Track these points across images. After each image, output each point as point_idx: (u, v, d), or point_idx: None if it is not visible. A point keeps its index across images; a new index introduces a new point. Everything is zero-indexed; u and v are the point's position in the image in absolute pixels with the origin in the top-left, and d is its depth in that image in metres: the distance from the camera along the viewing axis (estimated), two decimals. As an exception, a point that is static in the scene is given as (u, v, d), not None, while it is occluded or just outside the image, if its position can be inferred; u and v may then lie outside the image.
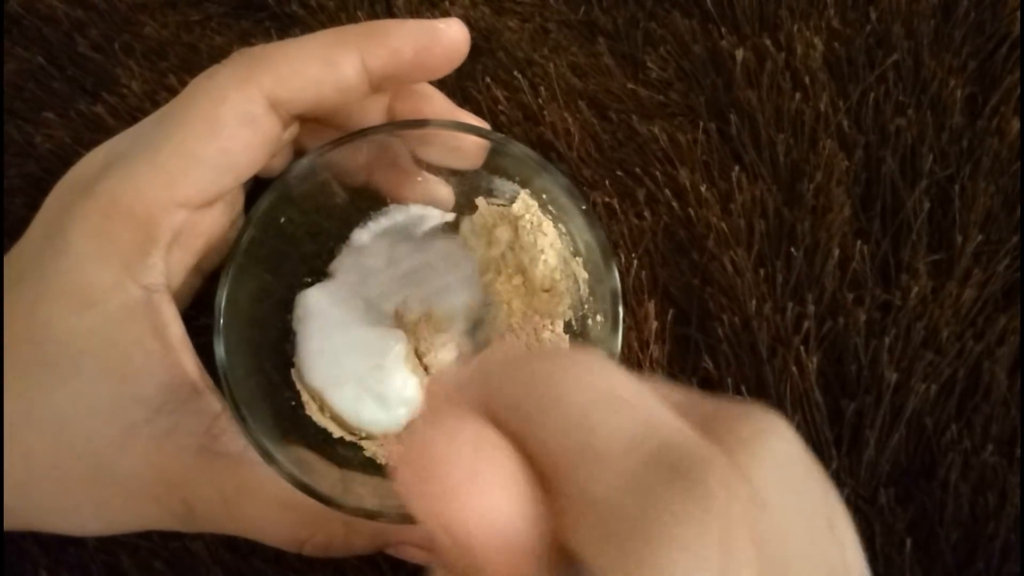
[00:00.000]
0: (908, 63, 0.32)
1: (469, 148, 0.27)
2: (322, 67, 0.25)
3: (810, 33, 0.33)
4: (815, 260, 0.30)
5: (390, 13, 0.35)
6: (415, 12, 0.35)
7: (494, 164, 0.27)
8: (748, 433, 0.13)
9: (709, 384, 0.29)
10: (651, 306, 0.30)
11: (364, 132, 0.26)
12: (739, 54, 0.33)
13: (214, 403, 0.25)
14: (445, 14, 0.35)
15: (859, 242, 0.30)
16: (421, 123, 0.26)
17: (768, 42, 0.33)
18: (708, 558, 0.11)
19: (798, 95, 0.32)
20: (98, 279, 0.24)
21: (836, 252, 0.29)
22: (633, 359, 0.29)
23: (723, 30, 0.33)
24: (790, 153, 0.31)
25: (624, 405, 0.13)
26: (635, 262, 0.31)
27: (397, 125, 0.26)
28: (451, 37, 0.26)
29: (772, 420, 0.14)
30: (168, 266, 0.25)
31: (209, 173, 0.24)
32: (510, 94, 0.33)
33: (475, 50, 0.35)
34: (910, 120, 0.31)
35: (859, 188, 0.31)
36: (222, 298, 0.25)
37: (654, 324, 0.30)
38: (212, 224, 0.26)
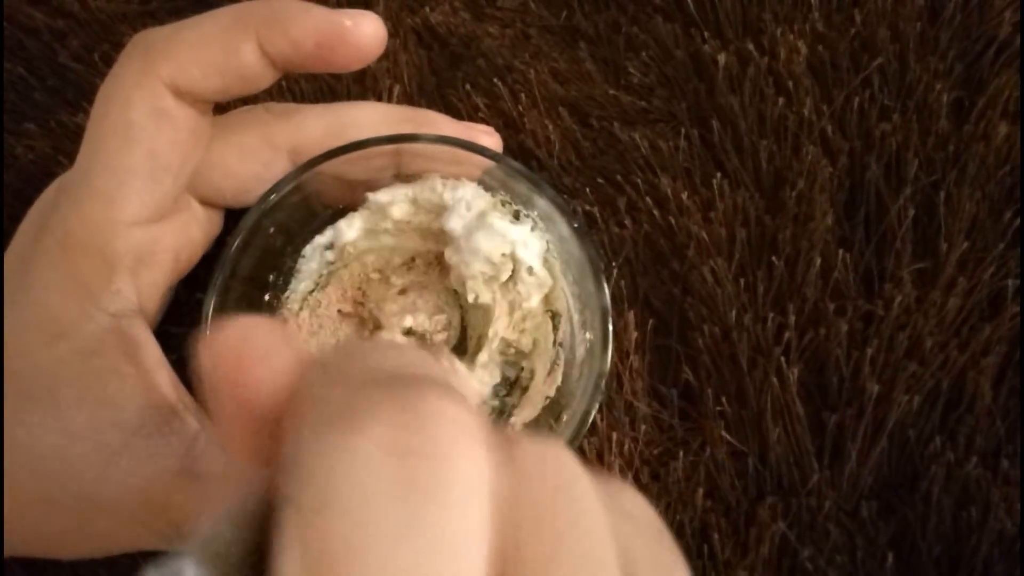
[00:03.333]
0: (893, 67, 0.32)
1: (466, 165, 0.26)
2: (220, 53, 0.23)
3: (794, 37, 0.32)
4: (796, 269, 0.29)
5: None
6: (395, 16, 0.35)
7: (485, 180, 0.27)
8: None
9: (689, 395, 0.29)
10: (631, 316, 0.30)
11: (355, 146, 0.26)
12: (721, 59, 0.32)
13: (193, 424, 0.25)
14: (424, 20, 0.34)
15: (841, 251, 0.29)
16: (411, 137, 0.26)
17: (751, 46, 0.32)
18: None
19: (781, 100, 0.31)
20: (64, 312, 0.24)
21: (818, 261, 0.29)
22: (613, 370, 0.29)
23: (706, 34, 0.33)
24: (773, 160, 0.31)
25: (393, 359, 0.14)
26: (615, 271, 0.30)
27: (386, 139, 0.26)
28: (360, 36, 0.24)
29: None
30: (138, 288, 0.25)
31: (144, 182, 0.24)
32: (490, 101, 0.33)
33: (455, 57, 0.34)
34: (895, 125, 0.31)
35: (843, 195, 0.30)
36: (209, 309, 0.24)
37: (634, 334, 0.29)
38: (178, 238, 0.26)
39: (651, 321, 0.30)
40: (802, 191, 0.30)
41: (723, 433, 0.28)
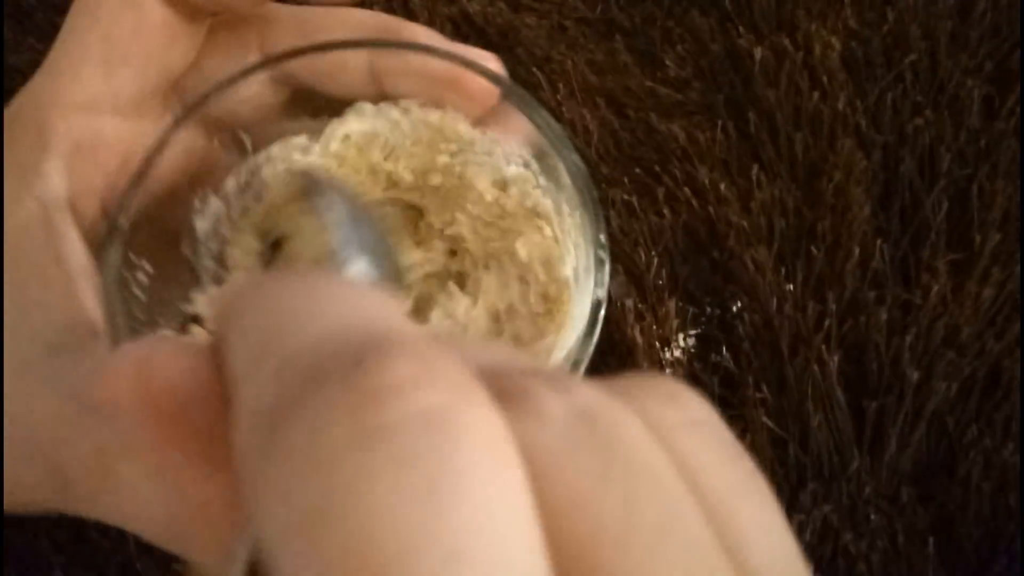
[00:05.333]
0: (925, 63, 0.32)
1: (471, 88, 0.23)
2: None
3: (827, 33, 0.33)
4: (835, 259, 0.30)
5: (407, 12, 0.35)
6: (431, 6, 0.35)
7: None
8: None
9: (730, 382, 0.29)
10: (671, 304, 0.30)
11: (334, 45, 0.22)
12: (757, 53, 0.33)
13: (103, 350, 0.21)
14: (461, 9, 0.35)
15: (879, 241, 0.30)
16: (393, 44, 0.22)
17: (786, 41, 0.33)
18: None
19: (816, 94, 0.32)
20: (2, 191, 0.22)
21: (856, 251, 0.29)
22: (654, 357, 0.29)
23: (740, 29, 0.33)
24: (808, 152, 0.31)
25: (336, 309, 0.10)
26: (655, 260, 0.30)
27: (360, 43, 0.22)
28: None
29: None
30: (72, 180, 0.22)
31: (95, 67, 0.22)
32: (529, 91, 0.33)
33: (492, 47, 0.34)
34: (928, 120, 0.31)
35: (877, 188, 0.31)
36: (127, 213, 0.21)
37: (674, 322, 0.30)
38: (129, 141, 0.23)
39: (691, 309, 0.30)
40: (839, 183, 0.31)
41: (764, 420, 0.28)
